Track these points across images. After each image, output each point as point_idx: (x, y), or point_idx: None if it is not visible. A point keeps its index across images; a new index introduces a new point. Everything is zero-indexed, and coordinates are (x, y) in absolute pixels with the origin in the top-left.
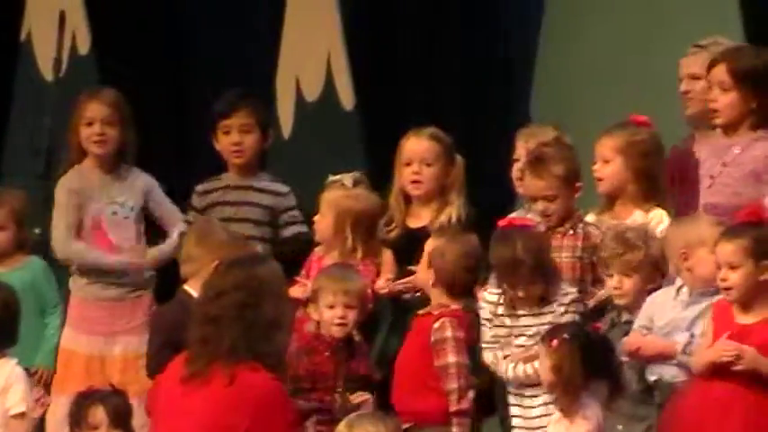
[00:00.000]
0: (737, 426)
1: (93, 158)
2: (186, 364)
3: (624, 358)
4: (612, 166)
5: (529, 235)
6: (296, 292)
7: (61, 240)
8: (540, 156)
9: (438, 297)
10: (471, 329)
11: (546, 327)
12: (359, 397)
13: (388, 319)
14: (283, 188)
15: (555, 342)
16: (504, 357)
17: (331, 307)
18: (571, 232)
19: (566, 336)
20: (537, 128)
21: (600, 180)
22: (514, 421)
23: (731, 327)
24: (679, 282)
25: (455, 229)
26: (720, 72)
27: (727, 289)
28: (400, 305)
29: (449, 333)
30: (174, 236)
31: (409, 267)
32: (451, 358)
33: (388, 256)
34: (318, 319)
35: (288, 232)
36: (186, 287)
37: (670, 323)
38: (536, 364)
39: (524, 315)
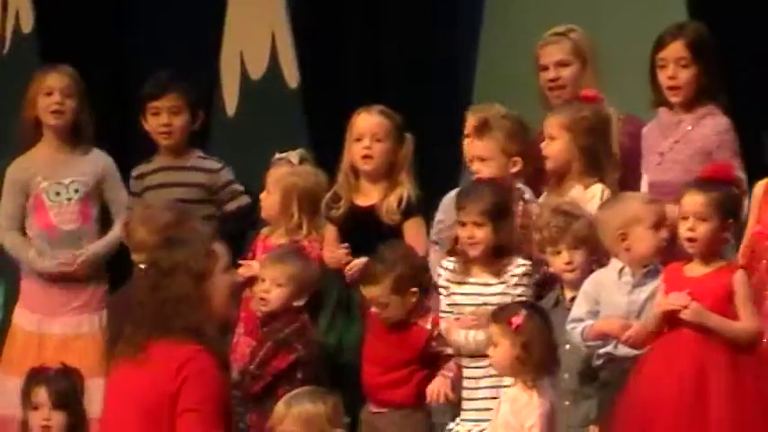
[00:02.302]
0: (685, 369)
1: (47, 135)
2: (117, 347)
3: (591, 342)
4: (559, 143)
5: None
6: (241, 272)
7: (1, 230)
8: (488, 120)
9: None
10: None
11: (496, 296)
12: None
13: (333, 295)
14: (216, 164)
15: (518, 319)
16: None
17: (262, 281)
18: None
19: (525, 312)
20: (487, 105)
21: (546, 158)
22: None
23: (680, 282)
24: (618, 263)
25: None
26: (678, 48)
27: (691, 240)
28: (348, 282)
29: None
30: (111, 233)
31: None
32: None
33: (331, 232)
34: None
35: (230, 207)
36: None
37: (618, 305)
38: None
39: (475, 283)
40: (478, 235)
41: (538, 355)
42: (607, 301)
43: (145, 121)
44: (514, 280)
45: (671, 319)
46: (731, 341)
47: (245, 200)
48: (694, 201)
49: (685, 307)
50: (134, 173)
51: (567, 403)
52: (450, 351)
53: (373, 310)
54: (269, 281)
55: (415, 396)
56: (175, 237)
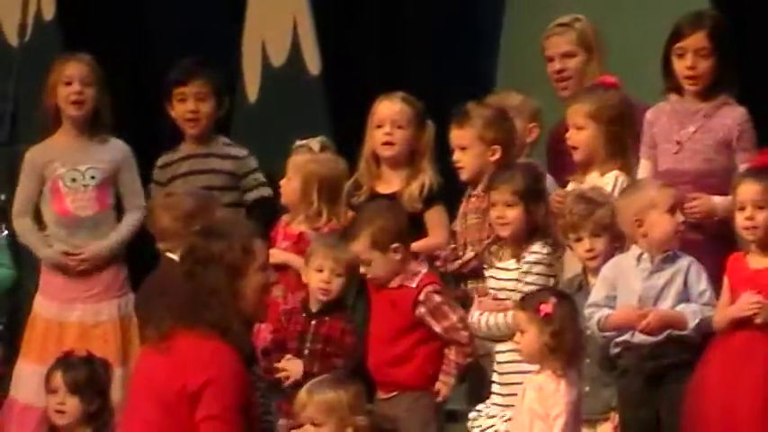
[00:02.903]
0: (758, 372)
1: (67, 123)
2: (144, 333)
3: (607, 333)
4: (586, 133)
5: None
6: None
7: (14, 214)
8: (467, 109)
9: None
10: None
11: (510, 282)
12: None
13: (355, 285)
14: (242, 151)
15: (547, 307)
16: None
17: (319, 270)
18: (482, 194)
19: (555, 300)
20: (505, 93)
21: (575, 148)
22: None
23: (745, 274)
24: (638, 249)
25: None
26: (700, 39)
27: (751, 228)
28: None
29: (439, 298)
30: (122, 226)
31: None
32: (453, 316)
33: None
34: (306, 282)
35: (251, 196)
36: (169, 254)
37: (634, 291)
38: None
39: (501, 268)
40: (509, 215)
41: (569, 344)
42: (624, 287)
43: (171, 108)
44: (525, 267)
45: (739, 321)
46: None
47: (266, 191)
48: (751, 189)
49: (757, 313)
50: (159, 162)
51: (587, 389)
52: (438, 329)
53: (361, 270)
54: (327, 271)
55: (422, 377)
56: (215, 228)
